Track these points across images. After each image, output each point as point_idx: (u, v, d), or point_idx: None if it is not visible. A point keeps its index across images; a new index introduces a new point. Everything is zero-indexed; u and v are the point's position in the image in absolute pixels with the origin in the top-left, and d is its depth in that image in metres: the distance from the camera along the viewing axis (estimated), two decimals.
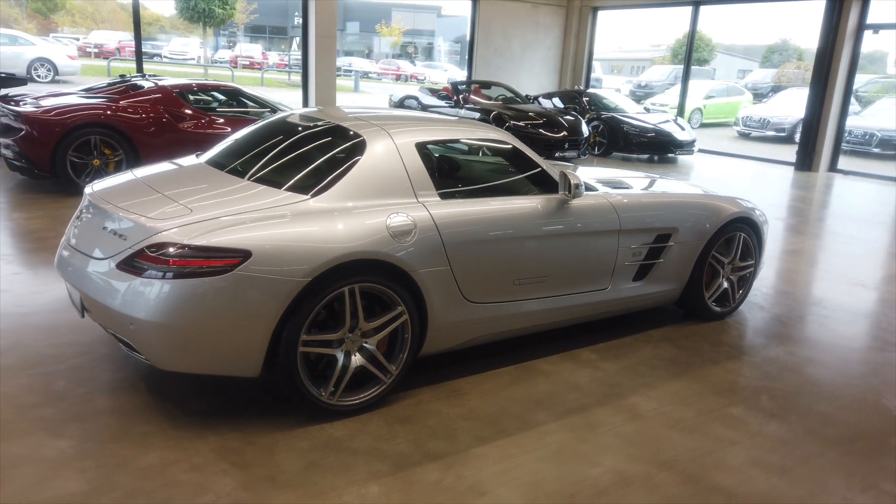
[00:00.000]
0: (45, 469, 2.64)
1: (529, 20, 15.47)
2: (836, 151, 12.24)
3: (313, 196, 3.10)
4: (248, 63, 34.89)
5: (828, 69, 11.74)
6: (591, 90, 14.30)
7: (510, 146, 3.81)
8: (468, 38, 15.24)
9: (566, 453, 2.93)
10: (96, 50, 31.93)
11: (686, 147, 12.49)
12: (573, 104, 12.98)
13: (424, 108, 12.38)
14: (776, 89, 27.10)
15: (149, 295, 2.75)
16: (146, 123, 7.44)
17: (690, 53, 14.94)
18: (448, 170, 3.93)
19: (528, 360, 3.81)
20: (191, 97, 8.05)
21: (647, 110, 13.79)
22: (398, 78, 38.05)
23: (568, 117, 11.15)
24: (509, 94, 12.43)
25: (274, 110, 8.30)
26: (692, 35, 14.53)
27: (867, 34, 11.68)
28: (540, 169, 3.78)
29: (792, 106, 18.87)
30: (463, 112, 11.39)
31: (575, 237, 3.76)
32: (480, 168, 4.03)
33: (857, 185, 11.14)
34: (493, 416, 3.20)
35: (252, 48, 39.52)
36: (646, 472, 2.81)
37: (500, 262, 3.49)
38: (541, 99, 13.38)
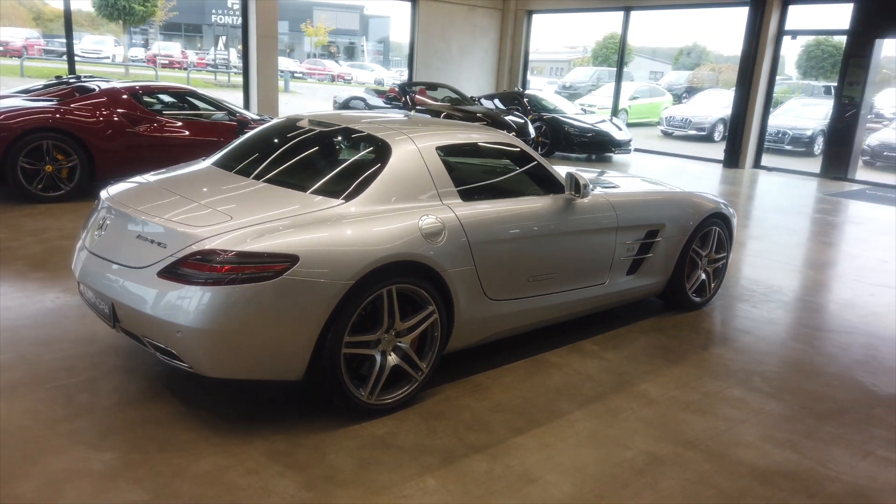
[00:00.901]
0: (98, 482, 2.61)
1: (467, 23, 15.72)
2: (760, 149, 13.06)
3: (347, 200, 3.16)
4: (167, 62, 33.72)
5: (751, 72, 12.51)
6: (529, 91, 14.67)
7: (518, 149, 3.98)
8: (409, 39, 15.34)
9: (598, 438, 3.11)
10: (1, 48, 30.11)
11: (623, 146, 13.02)
12: (515, 105, 13.29)
13: (369, 108, 12.39)
14: (690, 90, 28.48)
15: (196, 302, 2.75)
16: (101, 127, 7.19)
17: (622, 56, 15.56)
18: (458, 172, 4.06)
19: (537, 353, 3.98)
20: (144, 99, 7.83)
21: (584, 111, 14.28)
22: (324, 78, 37.64)
23: (515, 118, 11.44)
24: (455, 96, 12.62)
25: (231, 113, 8.17)
26: (623, 39, 15.14)
27: (786, 39, 12.51)
28: (546, 170, 3.96)
29: (710, 106, 19.95)
30: (413, 114, 11.48)
31: (580, 235, 3.96)
32: (489, 170, 4.16)
33: (780, 180, 11.93)
34: (521, 408, 3.35)
35: (170, 46, 38.18)
36: (674, 452, 3.03)
37: (517, 260, 3.65)
38: (482, 100, 13.63)
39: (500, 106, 13.43)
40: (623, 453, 3.00)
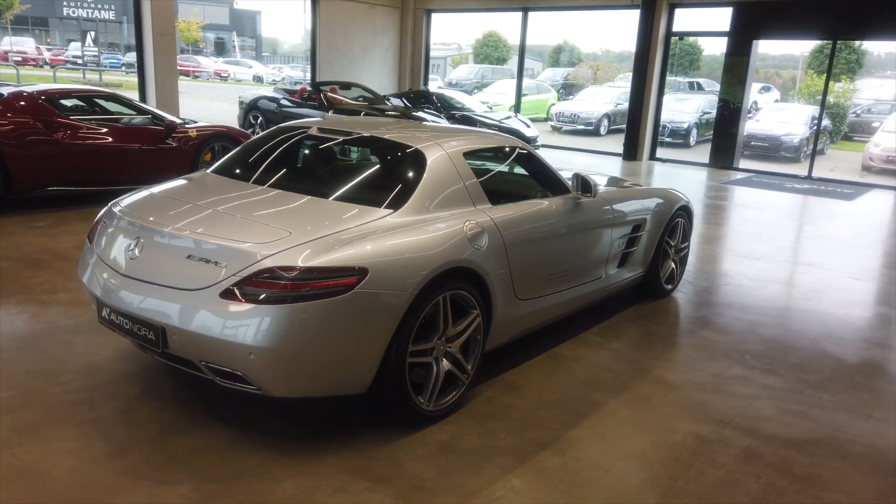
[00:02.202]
0: None
1: (367, 21, 15.62)
2: (655, 142, 13.97)
3: (395, 209, 3.16)
4: (20, 59, 30.89)
5: (645, 70, 13.35)
6: (436, 90, 14.83)
7: (527, 152, 4.11)
8: (311, 38, 15.02)
9: (643, 425, 3.31)
10: None
11: (532, 142, 13.47)
12: (424, 104, 13.39)
13: (282, 109, 12.05)
14: (566, 87, 29.83)
15: (269, 322, 2.66)
16: (17, 135, 6.57)
17: (523, 55, 16.06)
18: (479, 177, 4.11)
19: (548, 348, 4.13)
20: (61, 104, 7.22)
21: (490, 108, 14.63)
22: (199, 75, 35.93)
23: (435, 118, 11.55)
24: (368, 94, 12.53)
25: (157, 117, 7.71)
26: (523, 39, 15.62)
27: (674, 40, 13.45)
28: (553, 172, 4.12)
29: (595, 103, 21.02)
30: (331, 115, 11.30)
31: (587, 232, 4.16)
32: (504, 173, 4.25)
33: (675, 171, 12.83)
34: (561, 402, 3.49)
35: (23, 42, 34.98)
36: (713, 431, 3.28)
37: (540, 259, 3.79)
38: (392, 99, 13.63)
39: (409, 104, 13.49)
40: (672, 437, 3.22)
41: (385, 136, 3.66)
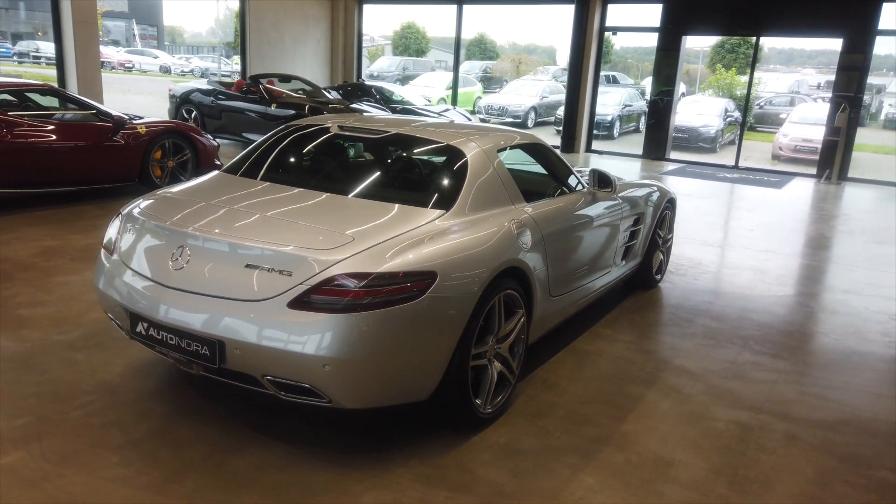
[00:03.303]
0: None
1: (298, 11, 15.19)
2: (591, 135, 14.33)
3: (446, 210, 3.08)
4: None
5: (580, 64, 13.64)
6: (373, 83, 14.62)
7: (547, 148, 4.10)
8: (240, 28, 14.45)
9: (684, 416, 3.39)
10: None
11: None
12: (365, 96, 13.18)
13: (219, 103, 11.55)
14: (485, 80, 30.13)
15: (343, 331, 2.54)
16: None
17: (459, 49, 16.07)
18: None
19: (566, 343, 4.16)
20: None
21: (429, 101, 14.57)
22: (102, 65, 33.85)
23: (379, 112, 11.38)
24: (307, 87, 12.20)
25: (102, 113, 7.21)
26: (458, 32, 15.61)
27: (607, 34, 13.82)
28: (568, 168, 4.14)
29: (522, 95, 21.33)
30: (274, 109, 10.93)
31: (604, 227, 4.21)
32: (527, 171, 4.21)
33: (613, 162, 13.21)
34: (601, 397, 3.52)
35: None
36: (751, 417, 3.40)
37: (571, 255, 3.81)
38: (328, 92, 13.33)
39: (345, 97, 13.22)
40: (716, 425, 3.31)
41: (419, 135, 3.57)
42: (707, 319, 4.77)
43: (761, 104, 24.72)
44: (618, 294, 5.11)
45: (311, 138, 3.67)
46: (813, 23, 11.92)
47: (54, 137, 6.72)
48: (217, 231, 2.80)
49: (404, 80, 26.67)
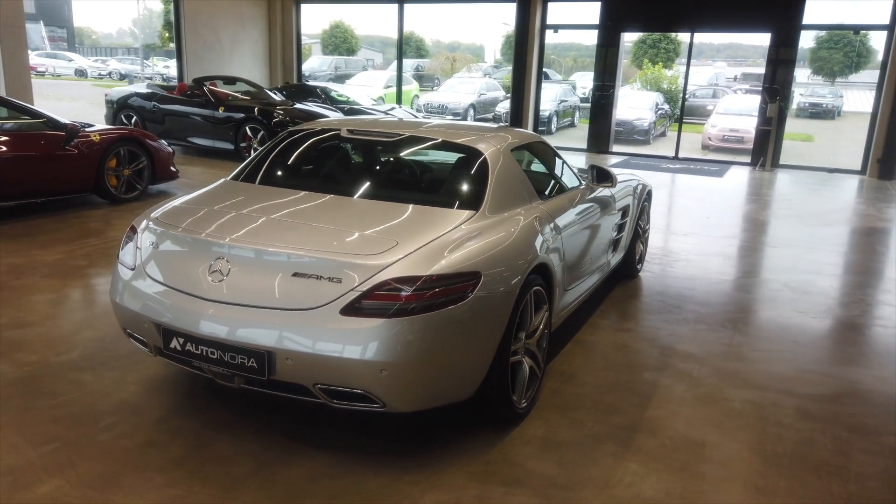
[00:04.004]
0: None
1: (234, 12, 14.82)
2: (537, 130, 14.57)
3: (476, 210, 3.11)
4: None
5: (524, 61, 13.87)
6: (315, 83, 14.42)
7: (549, 145, 4.18)
8: (175, 29, 13.98)
9: (701, 398, 3.54)
10: None
11: None
12: (311, 97, 12.99)
13: (161, 107, 11.15)
14: (418, 78, 30.20)
15: (398, 336, 2.54)
16: None
17: (401, 49, 16.02)
18: None
19: (570, 335, 4.27)
20: None
21: (375, 101, 14.49)
22: None
23: (331, 113, 11.25)
24: (252, 89, 11.93)
25: (53, 121, 6.86)
26: (401, 32, 15.58)
27: (549, 32, 14.09)
28: (567, 164, 4.23)
29: (460, 93, 21.48)
30: (222, 112, 10.64)
31: (604, 220, 4.33)
32: (531, 169, 4.27)
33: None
34: (619, 386, 3.63)
35: None
36: (761, 396, 3.58)
37: (580, 250, 3.90)
38: (273, 93, 13.08)
39: (289, 98, 12.99)
40: (732, 405, 3.47)
41: (434, 137, 3.58)
42: (694, 305, 4.97)
43: (687, 97, 25.68)
44: (605, 285, 5.25)
45: (322, 143, 3.63)
46: (744, 18, 12.51)
47: (3, 149, 6.37)
48: (259, 241, 2.75)
49: (337, 79, 26.37)
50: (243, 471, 2.74)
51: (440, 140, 3.57)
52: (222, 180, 3.64)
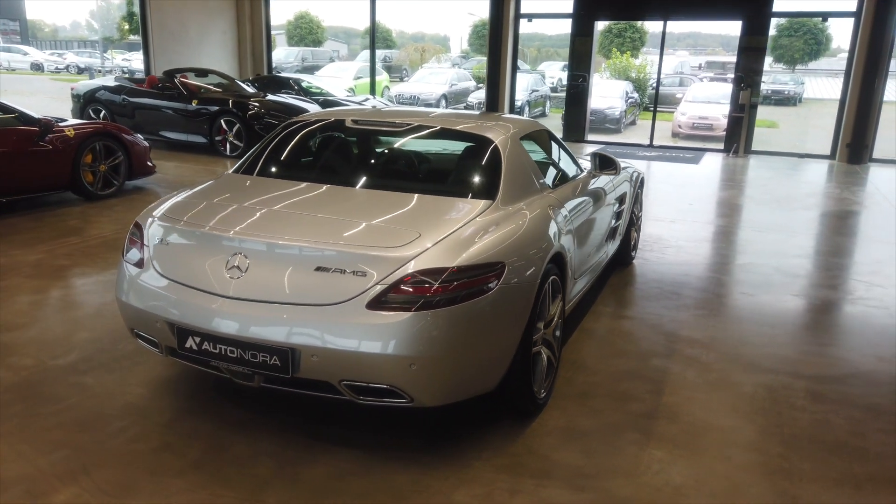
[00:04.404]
0: None
1: (201, 3, 14.48)
2: None
3: (492, 200, 3.07)
4: None
5: (499, 51, 13.82)
6: (287, 75, 14.19)
7: (550, 133, 4.14)
8: (141, 21, 13.59)
9: (714, 383, 3.55)
10: None
11: None
12: (285, 89, 12.78)
13: (131, 101, 10.86)
14: (387, 69, 30.01)
15: (427, 329, 2.49)
16: None
17: (374, 39, 15.86)
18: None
19: (575, 324, 4.25)
20: None
21: (349, 92, 14.32)
22: None
23: (307, 105, 11.08)
24: (224, 81, 11.68)
25: (26, 116, 6.60)
26: (373, 24, 15.41)
27: (523, 21, 14.06)
28: (570, 152, 4.21)
29: (431, 84, 21.37)
30: (195, 105, 10.39)
31: (606, 207, 4.32)
32: (538, 157, 4.22)
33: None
34: (632, 373, 3.62)
35: None
36: (772, 380, 3.60)
37: (587, 238, 3.88)
38: (245, 86, 12.83)
39: (261, 90, 12.76)
40: (745, 389, 3.49)
41: (443, 126, 3.52)
42: (691, 291, 5.01)
43: (653, 85, 25.91)
44: (602, 273, 5.25)
45: (327, 134, 3.54)
46: (715, 7, 12.64)
47: None
48: (279, 235, 2.66)
49: (304, 70, 26.04)
50: (266, 471, 2.66)
51: (448, 129, 3.51)
52: (224, 173, 3.53)
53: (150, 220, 2.97)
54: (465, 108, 21.26)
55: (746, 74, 12.50)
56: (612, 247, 4.81)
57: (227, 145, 10.36)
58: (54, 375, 3.37)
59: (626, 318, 4.43)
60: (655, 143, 14.00)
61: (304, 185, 3.20)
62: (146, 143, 7.83)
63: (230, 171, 3.53)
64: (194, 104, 10.43)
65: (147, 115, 10.82)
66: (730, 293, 5.00)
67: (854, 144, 12.05)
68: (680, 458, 2.86)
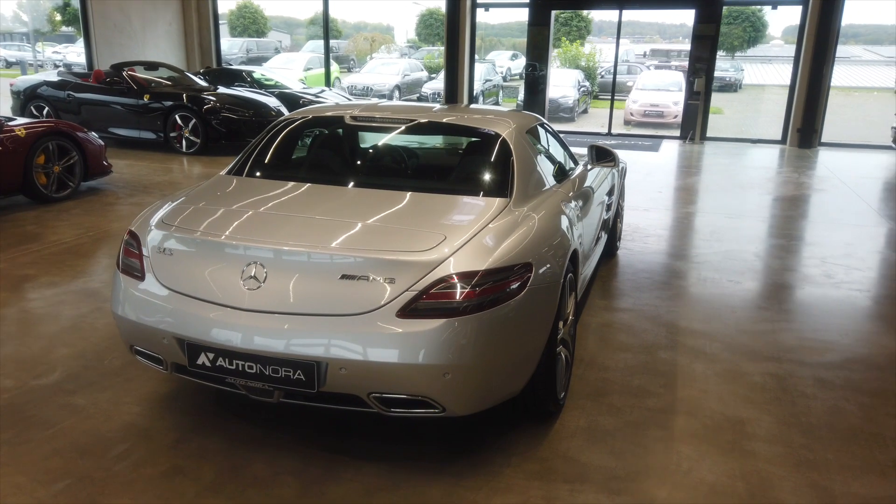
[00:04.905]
0: None
1: None
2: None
3: (509, 198, 2.97)
4: None
5: (457, 41, 13.70)
6: (240, 67, 13.76)
7: (548, 125, 4.07)
8: (80, 11, 12.95)
9: (722, 374, 3.55)
10: None
11: None
12: (238, 82, 12.39)
13: (77, 96, 10.33)
14: (341, 59, 29.57)
15: (460, 336, 2.38)
16: None
17: (328, 29, 15.53)
18: None
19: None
20: None
21: (304, 82, 13.99)
22: None
23: (265, 99, 10.76)
24: (175, 74, 11.23)
25: None
26: (326, 13, 15.06)
27: (480, 11, 13.97)
28: (565, 144, 4.15)
29: (384, 74, 21.12)
30: (147, 100, 9.95)
31: (602, 199, 4.28)
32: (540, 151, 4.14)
33: None
34: (642, 367, 3.60)
35: None
36: (776, 367, 3.63)
37: (589, 231, 3.83)
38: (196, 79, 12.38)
39: (212, 84, 12.34)
40: (754, 379, 3.50)
41: (447, 121, 3.40)
42: (680, 280, 5.03)
43: (602, 73, 26.23)
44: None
45: (325, 131, 3.37)
46: None
47: None
48: (298, 242, 2.51)
49: (249, 62, 25.41)
50: (290, 492, 2.52)
51: (455, 125, 3.39)
52: (218, 175, 3.33)
53: (148, 228, 2.77)
54: (419, 99, 21.13)
55: (699, 62, 12.72)
56: (604, 239, 4.78)
57: (183, 141, 9.97)
58: (40, 397, 3.13)
59: (622, 310, 4.40)
60: (612, 131, 14.12)
61: (310, 186, 3.04)
62: (101, 142, 7.45)
63: (224, 173, 3.34)
64: (146, 99, 9.99)
65: (94, 111, 10.32)
66: (717, 281, 5.04)
67: (804, 129, 12.41)
68: (707, 454, 2.84)
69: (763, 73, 35.33)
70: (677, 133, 14.30)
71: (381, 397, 2.45)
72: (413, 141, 3.52)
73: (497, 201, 2.93)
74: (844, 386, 3.45)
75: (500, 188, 3.03)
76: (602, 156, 4.18)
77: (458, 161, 3.36)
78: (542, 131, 3.95)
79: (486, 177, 3.14)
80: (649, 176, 9.46)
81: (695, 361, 3.69)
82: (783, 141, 12.86)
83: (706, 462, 2.78)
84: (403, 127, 3.40)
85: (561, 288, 2.86)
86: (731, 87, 28.88)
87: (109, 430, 2.88)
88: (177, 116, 9.92)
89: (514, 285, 2.54)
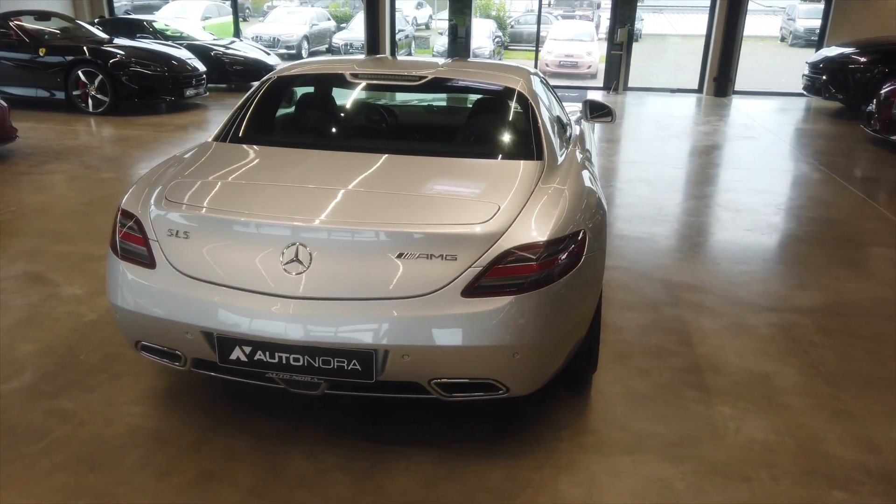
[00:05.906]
0: None
1: None
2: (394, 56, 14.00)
3: (542, 160, 2.79)
4: None
5: None
6: (139, 16, 12.64)
7: (546, 80, 3.87)
8: None
9: (731, 328, 3.56)
10: None
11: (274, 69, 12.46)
12: (140, 34, 11.37)
13: None
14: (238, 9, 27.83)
15: (529, 313, 2.22)
16: None
17: None
18: None
19: None
20: None
21: (212, 33, 13.03)
22: None
23: (176, 52, 9.92)
24: (69, 25, 10.14)
25: None
26: None
27: None
28: (560, 100, 3.98)
29: (291, 24, 20.07)
30: (43, 54, 8.93)
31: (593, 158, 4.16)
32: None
33: None
34: (654, 325, 3.56)
35: None
36: (777, 317, 3.68)
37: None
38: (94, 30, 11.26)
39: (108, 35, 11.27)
40: (761, 331, 3.54)
41: (461, 77, 3.14)
42: (658, 234, 5.04)
43: (512, 24, 26.07)
44: None
45: (328, 91, 3.04)
46: None
47: None
48: (343, 219, 2.24)
49: (136, 10, 23.45)
50: (342, 490, 2.31)
51: (470, 81, 3.15)
52: (205, 142, 2.95)
53: (150, 207, 2.40)
54: (327, 49, 20.30)
55: (622, 12, 12.79)
56: None
57: (90, 100, 9.07)
58: (17, 403, 2.73)
59: (614, 268, 4.35)
60: None
61: (329, 154, 2.74)
62: (4, 104, 6.63)
63: (212, 139, 2.96)
64: (41, 53, 8.97)
65: None
66: (691, 234, 5.10)
67: (720, 78, 12.79)
68: (748, 412, 2.83)
69: (660, 23, 36.25)
70: (596, 83, 14.41)
71: (442, 383, 2.26)
72: (426, 100, 3.25)
73: (531, 164, 2.75)
74: (846, 332, 3.55)
75: (530, 149, 2.84)
76: (597, 110, 4.06)
77: (481, 121, 3.13)
78: (544, 85, 3.77)
79: (516, 138, 2.94)
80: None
81: (700, 317, 3.69)
82: (700, 90, 13.23)
83: (749, 420, 2.78)
84: (414, 85, 3.11)
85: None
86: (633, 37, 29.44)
87: (114, 436, 2.55)
88: (80, 72, 8.98)
89: (574, 254, 2.38)
